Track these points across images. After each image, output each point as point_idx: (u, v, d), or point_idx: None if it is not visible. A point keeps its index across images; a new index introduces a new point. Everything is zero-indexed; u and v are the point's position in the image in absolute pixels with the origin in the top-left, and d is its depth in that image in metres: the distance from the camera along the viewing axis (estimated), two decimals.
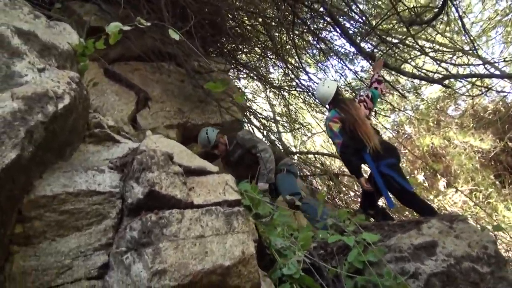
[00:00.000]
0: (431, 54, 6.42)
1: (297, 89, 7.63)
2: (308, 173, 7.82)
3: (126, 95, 4.97)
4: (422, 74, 6.49)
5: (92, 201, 1.57)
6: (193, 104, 5.51)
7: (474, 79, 6.36)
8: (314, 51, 7.55)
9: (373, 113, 5.98)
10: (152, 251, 1.37)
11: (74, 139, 1.82)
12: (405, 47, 6.55)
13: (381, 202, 6.88)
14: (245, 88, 8.17)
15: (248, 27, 6.69)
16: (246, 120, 7.00)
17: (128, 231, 1.46)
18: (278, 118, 8.48)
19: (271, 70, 8.07)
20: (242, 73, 7.59)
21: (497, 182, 9.85)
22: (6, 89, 1.57)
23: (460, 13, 6.69)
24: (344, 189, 8.01)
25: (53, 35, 2.15)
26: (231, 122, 5.65)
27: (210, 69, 5.82)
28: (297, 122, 8.26)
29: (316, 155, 8.24)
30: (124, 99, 4.90)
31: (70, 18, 4.07)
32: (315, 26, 6.50)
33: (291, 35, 6.05)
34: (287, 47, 6.92)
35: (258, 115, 7.13)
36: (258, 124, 7.21)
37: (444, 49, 7.40)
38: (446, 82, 6.40)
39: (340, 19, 5.93)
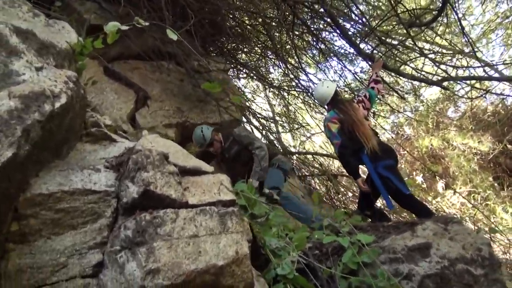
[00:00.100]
0: (430, 56, 6.43)
1: (297, 89, 7.64)
2: (307, 174, 7.83)
3: (125, 94, 4.98)
4: (421, 76, 6.50)
5: (87, 200, 1.59)
6: (192, 104, 5.52)
7: (473, 82, 6.37)
8: (314, 51, 7.57)
9: (371, 113, 5.98)
10: (146, 250, 1.38)
11: (71, 138, 1.83)
12: (405, 48, 6.55)
13: (378, 203, 6.90)
14: (245, 87, 8.19)
15: (248, 27, 6.70)
16: (245, 120, 7.00)
17: (123, 230, 1.47)
18: (277, 118, 8.49)
19: (271, 70, 8.08)
20: (242, 72, 7.60)
21: (495, 184, 9.86)
22: (4, 87, 1.58)
23: (460, 16, 6.71)
24: (342, 189, 8.03)
25: (51, 33, 2.16)
26: (230, 121, 5.66)
27: (210, 69, 5.82)
28: (296, 122, 8.27)
29: (314, 156, 8.25)
30: (123, 98, 4.91)
31: (70, 16, 4.08)
32: (315, 27, 6.51)
33: (291, 36, 6.06)
34: (287, 47, 6.93)
35: (258, 115, 7.13)
36: (257, 124, 7.21)
37: (444, 51, 7.42)
38: (446, 84, 6.41)
39: (340, 20, 5.94)
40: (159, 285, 1.34)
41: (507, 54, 10.34)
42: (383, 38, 6.00)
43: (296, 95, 7.98)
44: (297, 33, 6.59)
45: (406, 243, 2.19)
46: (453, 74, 7.06)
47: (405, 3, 5.80)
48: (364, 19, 6.10)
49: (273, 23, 6.45)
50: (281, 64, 7.33)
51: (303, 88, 7.41)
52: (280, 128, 8.43)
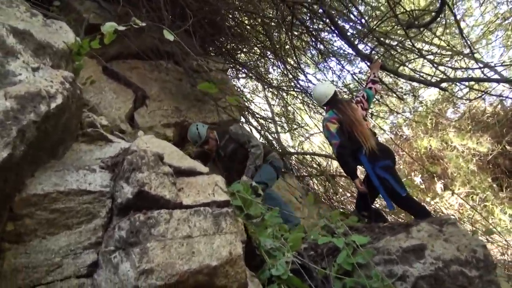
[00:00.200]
0: (429, 57, 6.44)
1: (295, 89, 7.64)
2: (305, 174, 7.84)
3: (124, 93, 4.99)
4: (420, 76, 6.50)
5: (82, 200, 1.60)
6: (191, 103, 5.53)
7: (471, 83, 6.38)
8: (313, 52, 7.57)
9: (369, 114, 6.00)
10: (140, 251, 1.39)
11: (66, 138, 1.84)
12: (403, 49, 6.56)
13: (377, 203, 6.91)
14: (244, 87, 8.19)
15: (248, 27, 6.71)
16: (244, 120, 7.01)
17: (117, 231, 1.48)
18: (276, 118, 8.50)
19: (270, 70, 8.08)
20: (241, 72, 7.61)
21: (494, 185, 9.87)
22: (0, 88, 1.59)
23: (458, 18, 6.72)
24: (340, 190, 8.04)
25: (49, 33, 2.17)
26: (228, 121, 5.67)
27: (209, 69, 5.83)
28: (295, 123, 8.28)
29: (313, 156, 8.25)
30: (122, 97, 4.92)
31: (68, 16, 4.10)
32: (314, 27, 6.52)
33: (290, 36, 6.07)
34: (286, 47, 6.94)
35: (256, 115, 7.14)
36: (255, 124, 7.22)
37: (442, 52, 7.43)
38: (445, 85, 6.42)
39: (339, 21, 5.95)
40: (153, 285, 1.35)
41: (507, 55, 10.36)
42: (381, 39, 6.00)
43: (295, 95, 7.99)
44: (296, 33, 6.59)
45: (400, 244, 2.20)
46: (452, 75, 7.08)
47: (405, 4, 5.80)
48: (363, 20, 6.10)
49: (272, 23, 6.46)
50: (280, 64, 7.34)
51: (301, 88, 7.42)
52: (278, 128, 8.43)
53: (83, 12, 4.82)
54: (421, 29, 5.74)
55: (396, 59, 6.59)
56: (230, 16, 6.28)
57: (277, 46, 6.56)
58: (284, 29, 6.25)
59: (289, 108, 8.37)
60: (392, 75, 6.62)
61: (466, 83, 6.42)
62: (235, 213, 1.84)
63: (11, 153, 1.38)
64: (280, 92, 7.91)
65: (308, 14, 6.18)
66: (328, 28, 6.16)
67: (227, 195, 1.75)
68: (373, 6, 7.02)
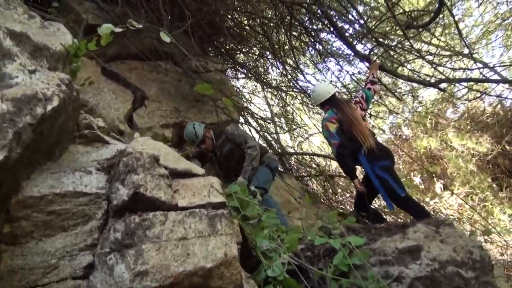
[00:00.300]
0: (428, 57, 6.44)
1: (295, 90, 7.65)
2: (304, 174, 7.84)
3: (123, 94, 4.99)
4: (418, 77, 6.51)
5: (78, 202, 1.60)
6: (190, 104, 5.53)
7: (470, 83, 6.38)
8: (312, 52, 7.58)
9: (368, 114, 6.01)
10: (135, 253, 1.39)
11: (63, 140, 1.84)
12: (402, 50, 6.56)
13: (377, 203, 6.92)
14: (243, 88, 8.19)
15: (247, 27, 6.71)
16: (243, 121, 7.01)
17: (112, 233, 1.49)
18: (275, 118, 8.50)
19: (269, 70, 8.09)
20: (240, 73, 7.62)
21: (494, 185, 9.87)
22: None
23: (457, 18, 6.73)
24: (339, 190, 8.04)
25: (46, 36, 2.18)
26: (227, 121, 5.67)
27: (208, 69, 5.84)
28: (293, 123, 8.28)
29: (312, 156, 8.25)
30: (121, 98, 4.92)
31: (67, 17, 4.10)
32: (313, 28, 6.52)
33: (289, 36, 6.08)
34: (285, 47, 6.94)
35: (256, 116, 7.14)
36: (255, 124, 7.22)
37: (442, 52, 7.43)
38: (444, 85, 6.43)
39: (337, 21, 5.96)
40: (147, 287, 1.36)
41: (507, 55, 10.36)
42: (380, 39, 6.01)
43: (294, 95, 8.00)
44: (295, 34, 6.60)
45: (396, 245, 2.20)
46: (451, 75, 7.08)
47: (404, 5, 5.81)
48: (361, 20, 6.11)
49: (271, 24, 6.46)
50: (279, 64, 7.35)
51: (300, 88, 7.42)
52: (278, 129, 8.43)
53: (82, 13, 4.82)
54: (420, 29, 5.74)
55: (395, 60, 6.59)
56: (229, 16, 6.28)
57: (276, 46, 6.56)
58: (283, 30, 6.25)
59: (288, 108, 8.38)
60: (391, 75, 6.62)
61: (465, 84, 6.42)
62: (231, 214, 1.85)
63: (7, 155, 1.39)
64: (279, 92, 7.91)
65: (307, 15, 6.19)
66: (327, 29, 6.16)
67: (222, 197, 1.76)
68: (371, 6, 7.02)
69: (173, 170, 1.76)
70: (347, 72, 7.43)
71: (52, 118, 1.65)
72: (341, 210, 6.86)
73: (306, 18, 6.35)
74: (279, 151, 7.56)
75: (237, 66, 7.33)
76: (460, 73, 7.22)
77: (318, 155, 8.51)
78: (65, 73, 2.19)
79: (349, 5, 5.94)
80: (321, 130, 5.38)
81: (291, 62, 7.29)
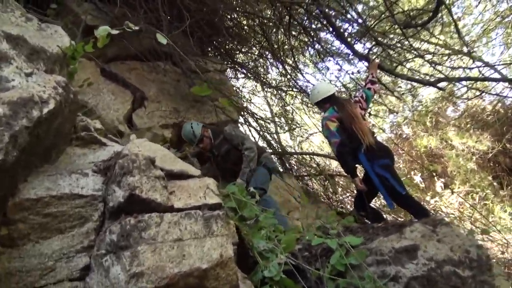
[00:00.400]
0: (427, 56, 6.44)
1: (294, 89, 7.65)
2: (304, 174, 7.84)
3: (122, 95, 5.01)
4: (418, 76, 6.51)
5: (74, 204, 1.62)
6: (189, 104, 5.54)
7: (469, 82, 6.38)
8: (311, 52, 7.58)
9: (367, 114, 6.02)
10: (130, 254, 1.41)
11: (59, 143, 1.85)
12: (400, 49, 6.56)
13: (377, 202, 6.92)
14: (243, 87, 8.19)
15: (246, 27, 6.72)
16: (243, 121, 7.02)
17: (108, 234, 1.50)
18: (275, 118, 8.51)
19: (269, 70, 8.09)
20: (240, 72, 7.62)
21: (495, 184, 9.86)
22: None
23: (457, 16, 6.72)
24: (340, 189, 8.04)
25: (43, 38, 2.19)
26: (226, 122, 5.68)
27: (206, 69, 5.85)
28: (293, 123, 8.28)
29: (311, 156, 8.25)
30: (120, 99, 4.94)
31: (65, 18, 4.11)
32: (311, 27, 6.53)
33: (288, 36, 6.08)
34: (284, 47, 6.95)
35: (256, 116, 7.14)
36: (254, 124, 7.22)
37: (440, 51, 7.42)
38: (444, 84, 6.42)
39: (337, 21, 5.96)
40: None
41: (507, 53, 10.33)
42: (379, 38, 6.01)
43: (294, 95, 8.00)
44: (294, 33, 6.60)
45: (393, 245, 2.21)
46: (452, 74, 7.08)
47: (403, 4, 5.81)
48: (360, 20, 6.11)
49: (270, 24, 6.46)
50: (278, 64, 7.35)
51: (299, 88, 7.43)
52: (278, 129, 8.43)
53: (81, 14, 4.83)
54: (419, 28, 5.74)
55: (394, 59, 6.59)
56: (228, 16, 6.29)
57: (275, 46, 6.57)
58: (282, 29, 6.26)
59: (288, 108, 8.38)
60: (390, 75, 6.62)
61: (465, 82, 6.42)
62: (228, 215, 1.86)
63: (4, 158, 1.40)
64: (279, 92, 7.92)
65: (306, 15, 6.19)
66: (325, 28, 6.17)
67: (218, 198, 1.77)
68: (370, 6, 7.02)
69: (169, 171, 1.77)
70: (346, 72, 7.41)
71: (48, 121, 1.66)
72: (341, 210, 6.86)
73: (305, 18, 6.35)
74: (279, 151, 7.56)
75: (236, 66, 7.34)
76: (460, 72, 7.21)
77: (318, 155, 8.51)
78: (62, 75, 2.20)
79: (347, 4, 5.93)
80: (321, 129, 5.39)
81: (291, 62, 7.29)
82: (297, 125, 8.38)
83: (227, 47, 6.96)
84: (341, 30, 5.85)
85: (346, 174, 6.38)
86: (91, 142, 2.00)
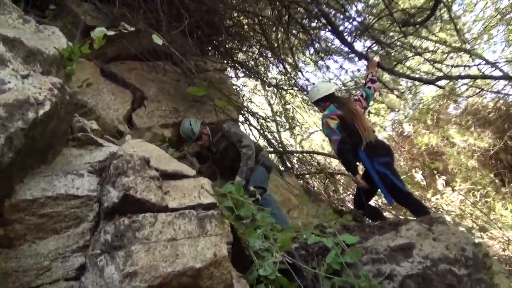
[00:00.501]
0: (428, 54, 6.44)
1: (294, 88, 7.66)
2: (305, 172, 7.85)
3: (122, 95, 5.03)
4: (417, 74, 6.51)
5: (70, 205, 1.63)
6: (189, 103, 5.56)
7: (469, 80, 6.37)
8: (311, 50, 7.58)
9: (367, 112, 6.03)
10: (124, 254, 1.42)
11: (55, 144, 1.87)
12: (399, 47, 6.55)
13: (376, 201, 6.92)
14: (244, 86, 8.20)
15: (245, 26, 6.72)
16: (244, 119, 7.03)
17: (102, 234, 1.52)
18: (275, 117, 8.51)
19: (269, 69, 8.09)
20: (239, 71, 7.62)
21: (496, 181, 9.85)
22: None
23: (459, 13, 6.71)
24: (340, 188, 8.04)
25: (40, 40, 2.21)
26: (226, 121, 5.69)
27: (206, 68, 5.86)
28: (293, 122, 8.29)
29: (311, 154, 8.26)
30: (120, 98, 4.96)
31: (64, 19, 4.13)
32: (310, 26, 6.53)
33: (287, 35, 6.09)
34: (284, 46, 6.95)
35: (256, 115, 7.15)
36: (255, 123, 7.23)
37: (440, 47, 7.40)
38: (444, 82, 6.42)
39: (336, 19, 5.96)
40: None
41: (508, 50, 10.30)
42: (378, 37, 6.01)
43: (294, 93, 8.01)
44: (294, 32, 6.61)
45: (388, 243, 2.22)
46: (452, 72, 7.07)
47: (401, 2, 5.80)
48: (359, 18, 6.11)
49: (270, 22, 6.47)
50: (278, 63, 7.36)
51: (300, 87, 7.44)
52: (278, 127, 8.44)
53: (81, 15, 4.85)
54: (417, 26, 5.73)
55: (393, 57, 6.58)
56: (228, 15, 6.29)
57: (275, 45, 6.57)
58: (282, 28, 6.26)
59: (289, 106, 8.38)
60: (388, 73, 6.62)
61: (462, 80, 6.41)
62: (223, 215, 1.87)
63: None
64: (279, 91, 7.93)
65: (305, 14, 6.19)
66: (324, 27, 6.17)
67: (213, 198, 1.78)
68: (369, 4, 7.00)
69: (164, 171, 1.78)
70: (346, 71, 7.43)
71: (44, 122, 1.67)
72: (342, 208, 6.87)
73: (304, 17, 6.35)
74: (280, 149, 7.57)
75: (236, 65, 7.34)
76: (461, 70, 7.19)
77: (318, 153, 8.51)
78: (59, 76, 2.22)
79: (346, 2, 5.93)
80: (321, 128, 5.40)
81: (291, 61, 7.30)
82: (298, 123, 8.39)
83: (227, 46, 6.97)
84: (340, 29, 5.85)
85: (347, 172, 6.38)
86: (88, 142, 2.02)
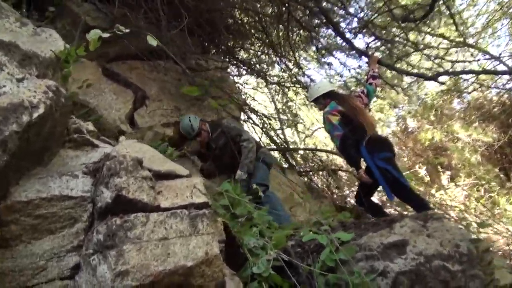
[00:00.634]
0: (427, 50, 6.42)
1: (296, 85, 7.65)
2: (308, 169, 7.86)
3: (123, 94, 5.06)
4: (421, 70, 6.49)
5: (64, 206, 1.67)
6: (190, 102, 5.58)
7: (471, 75, 6.34)
8: (313, 48, 7.57)
9: (368, 109, 6.02)
10: (116, 253, 1.46)
11: (51, 145, 1.91)
12: (399, 43, 6.53)
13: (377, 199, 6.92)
14: (246, 83, 8.19)
15: (246, 24, 6.73)
16: (246, 117, 7.04)
17: (95, 234, 1.56)
18: (276, 114, 8.51)
19: (270, 67, 8.09)
20: (241, 69, 7.63)
21: (501, 175, 9.79)
22: None
23: (462, 7, 6.67)
24: (344, 184, 8.03)
25: (36, 43, 2.24)
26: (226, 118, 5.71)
27: (206, 67, 5.88)
28: (295, 120, 8.29)
29: (314, 152, 8.26)
30: (122, 98, 4.99)
31: (63, 20, 4.17)
32: (310, 24, 6.53)
33: (287, 33, 6.09)
34: (285, 43, 6.94)
35: (258, 113, 7.16)
36: (257, 121, 7.24)
37: (440, 44, 7.37)
38: (446, 78, 6.40)
39: (336, 16, 5.96)
40: (128, 286, 1.42)
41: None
42: (378, 33, 6.00)
43: (296, 90, 7.99)
44: (295, 29, 6.61)
45: (382, 240, 2.24)
46: (454, 67, 7.04)
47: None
48: (359, 14, 6.11)
49: (271, 20, 6.47)
50: (279, 60, 7.36)
51: (302, 84, 7.44)
52: (279, 124, 8.44)
53: (81, 15, 4.88)
54: (417, 22, 5.71)
55: (393, 54, 6.56)
56: (228, 13, 6.30)
57: (276, 42, 6.58)
58: (283, 26, 6.26)
59: (291, 104, 8.38)
60: (389, 69, 6.62)
61: (462, 76, 6.38)
62: (217, 213, 1.90)
63: None
64: (282, 88, 7.93)
65: (305, 12, 6.19)
66: (324, 25, 6.17)
67: (205, 197, 1.81)
68: (369, 1, 6.98)
69: (157, 172, 1.81)
70: (349, 69, 7.42)
71: (38, 125, 1.71)
72: (345, 205, 6.88)
73: (303, 15, 6.35)
74: (282, 147, 7.58)
75: (238, 63, 7.35)
76: (462, 65, 7.16)
77: (321, 150, 8.52)
78: (55, 79, 2.25)
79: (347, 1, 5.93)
80: (322, 124, 5.41)
81: (292, 58, 7.29)
82: (301, 120, 8.39)
83: (228, 44, 6.97)
84: (340, 26, 5.85)
85: (350, 169, 6.38)
86: (84, 144, 2.05)
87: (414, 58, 7.49)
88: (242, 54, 7.56)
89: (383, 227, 2.37)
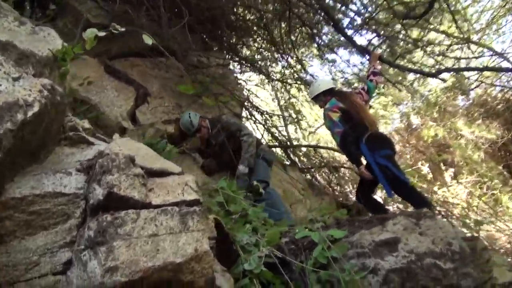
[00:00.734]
0: (429, 46, 6.40)
1: (298, 82, 7.67)
2: (309, 166, 7.87)
3: (125, 91, 5.11)
4: (424, 67, 6.47)
5: (57, 202, 1.71)
6: (191, 99, 5.61)
7: (475, 72, 6.32)
8: (315, 45, 7.57)
9: (369, 106, 6.03)
10: (106, 249, 1.49)
11: (47, 143, 1.94)
12: (400, 40, 6.52)
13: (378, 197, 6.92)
14: (249, 80, 8.21)
15: (248, 21, 6.74)
16: (248, 114, 7.07)
17: (87, 231, 1.59)
18: (279, 111, 8.54)
19: (273, 63, 8.10)
20: (243, 66, 7.64)
21: (505, 173, 9.76)
22: None
23: (467, 3, 6.64)
24: (344, 182, 8.04)
25: (34, 42, 2.27)
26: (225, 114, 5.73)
27: (207, 64, 5.90)
28: (297, 117, 8.29)
29: (315, 148, 8.27)
30: (124, 95, 5.04)
31: (65, 19, 4.21)
32: (311, 21, 6.53)
33: (289, 30, 6.10)
34: (287, 40, 6.95)
35: (259, 109, 7.18)
36: (259, 118, 7.25)
37: (445, 41, 7.35)
38: (448, 75, 6.38)
39: (338, 13, 5.96)
40: (117, 282, 1.45)
41: None
42: (379, 30, 6.00)
43: (298, 87, 8.00)
44: (297, 26, 6.61)
45: (373, 238, 2.25)
46: (457, 64, 7.02)
47: None
48: (360, 12, 6.10)
49: (274, 18, 6.48)
50: (280, 58, 7.38)
51: (304, 81, 7.45)
52: (282, 121, 8.46)
53: (83, 12, 4.93)
54: (417, 19, 5.70)
55: (394, 50, 6.55)
56: (230, 11, 6.32)
57: (278, 39, 6.59)
58: (284, 23, 6.27)
59: (294, 100, 8.38)
60: (390, 66, 6.60)
61: (471, 72, 6.36)
62: (209, 210, 1.93)
63: None
64: (284, 85, 7.94)
65: (306, 9, 6.19)
66: (325, 22, 6.16)
67: (196, 194, 1.84)
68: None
69: (149, 169, 1.84)
70: (347, 64, 7.41)
71: (33, 123, 1.74)
72: (346, 202, 6.89)
73: (305, 11, 6.35)
74: (283, 144, 7.59)
75: (240, 60, 7.37)
76: (464, 62, 7.13)
77: (322, 147, 8.53)
78: (52, 77, 2.29)
79: None
80: (323, 122, 5.42)
81: (293, 55, 7.30)
82: (303, 117, 8.39)
83: (231, 41, 6.99)
84: (341, 24, 5.85)
85: (350, 165, 6.39)
86: (79, 141, 2.09)
87: (417, 55, 7.47)
88: (244, 51, 7.57)
89: (376, 225, 2.39)
